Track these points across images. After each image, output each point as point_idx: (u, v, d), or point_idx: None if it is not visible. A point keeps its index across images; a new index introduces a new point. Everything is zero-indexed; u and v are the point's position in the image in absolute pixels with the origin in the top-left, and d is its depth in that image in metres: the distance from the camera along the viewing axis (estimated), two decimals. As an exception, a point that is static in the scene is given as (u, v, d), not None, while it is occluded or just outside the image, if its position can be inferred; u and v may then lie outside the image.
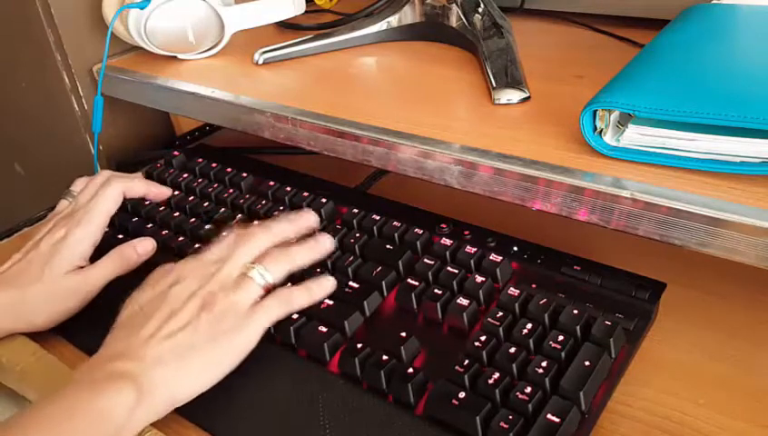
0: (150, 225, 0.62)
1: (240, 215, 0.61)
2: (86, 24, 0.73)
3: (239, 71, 0.68)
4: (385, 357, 0.45)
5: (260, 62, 0.67)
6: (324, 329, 0.48)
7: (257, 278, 0.48)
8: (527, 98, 0.53)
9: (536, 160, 0.45)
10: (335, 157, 0.56)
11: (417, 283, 0.50)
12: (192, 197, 0.66)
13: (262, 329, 0.47)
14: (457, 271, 0.50)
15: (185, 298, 0.46)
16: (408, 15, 0.69)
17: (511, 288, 0.48)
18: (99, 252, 0.56)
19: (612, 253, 0.52)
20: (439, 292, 0.49)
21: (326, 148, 0.55)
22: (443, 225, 0.56)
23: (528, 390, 0.41)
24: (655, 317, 0.48)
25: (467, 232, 0.55)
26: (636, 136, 0.42)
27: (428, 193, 0.61)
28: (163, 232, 0.60)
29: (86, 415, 0.40)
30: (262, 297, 0.48)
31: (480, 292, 0.48)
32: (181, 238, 0.60)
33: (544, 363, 0.42)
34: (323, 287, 0.50)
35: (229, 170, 0.67)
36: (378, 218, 0.57)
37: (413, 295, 0.49)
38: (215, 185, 0.66)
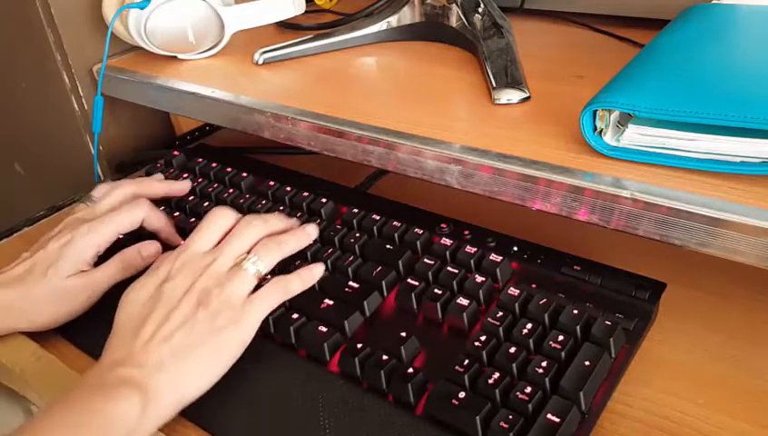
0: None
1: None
2: (86, 24, 0.73)
3: (239, 71, 0.68)
4: (385, 357, 0.45)
5: (260, 62, 0.67)
6: (324, 329, 0.48)
7: (250, 268, 0.48)
8: (527, 98, 0.53)
9: (536, 160, 0.45)
10: (335, 157, 0.56)
11: (417, 283, 0.50)
12: (191, 197, 0.66)
13: (260, 318, 0.47)
14: (457, 271, 0.50)
15: (180, 295, 0.46)
16: (407, 15, 0.69)
17: (511, 288, 0.48)
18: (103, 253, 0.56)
19: (612, 253, 0.52)
20: (439, 292, 0.49)
21: (326, 148, 0.55)
22: (443, 225, 0.56)
23: (528, 390, 0.41)
24: (655, 317, 0.48)
25: (467, 232, 0.55)
26: (636, 136, 0.42)
27: (428, 193, 0.61)
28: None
29: (98, 421, 0.40)
30: (256, 287, 0.49)
31: (480, 292, 0.48)
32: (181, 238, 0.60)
33: (544, 363, 0.42)
34: (314, 273, 0.52)
35: (229, 170, 0.67)
36: (378, 218, 0.57)
37: (413, 295, 0.50)
38: (215, 185, 0.66)
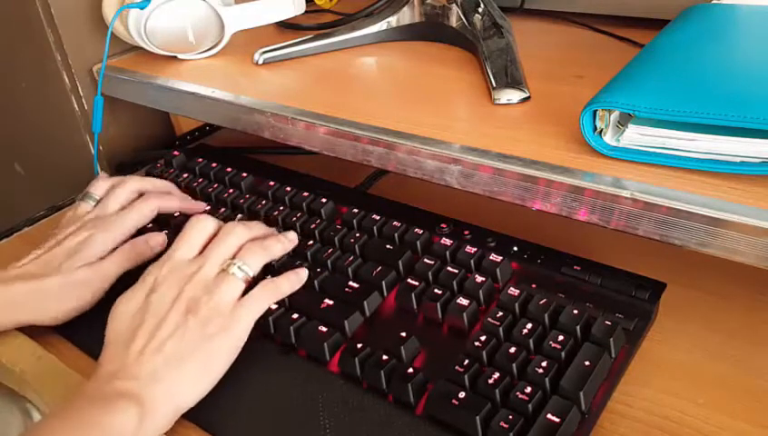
0: (150, 225, 0.62)
1: (240, 215, 0.62)
2: (86, 24, 0.73)
3: (239, 71, 0.68)
4: (385, 357, 0.45)
5: (261, 62, 0.67)
6: (324, 329, 0.48)
7: (237, 273, 0.49)
8: (527, 98, 0.53)
9: (536, 160, 0.45)
10: (335, 157, 0.56)
11: (417, 283, 0.50)
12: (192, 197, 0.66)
13: (251, 322, 0.47)
14: (457, 271, 0.50)
15: (168, 304, 0.46)
16: (407, 15, 0.69)
17: (511, 288, 0.48)
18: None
19: (612, 253, 0.52)
20: (439, 291, 0.49)
21: (326, 148, 0.55)
22: (443, 225, 0.56)
23: (528, 390, 0.41)
24: (655, 317, 0.48)
25: (467, 232, 0.55)
26: (636, 136, 0.42)
27: (428, 193, 0.61)
28: (164, 232, 0.60)
29: (96, 434, 0.40)
30: (244, 291, 0.49)
31: (480, 291, 0.48)
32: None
33: (544, 363, 0.42)
34: (300, 276, 0.52)
35: (229, 170, 0.67)
36: (378, 218, 0.57)
37: (413, 295, 0.50)
38: (215, 185, 0.66)
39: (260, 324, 0.49)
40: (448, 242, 0.53)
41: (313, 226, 0.58)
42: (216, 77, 0.67)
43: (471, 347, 0.45)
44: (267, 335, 0.49)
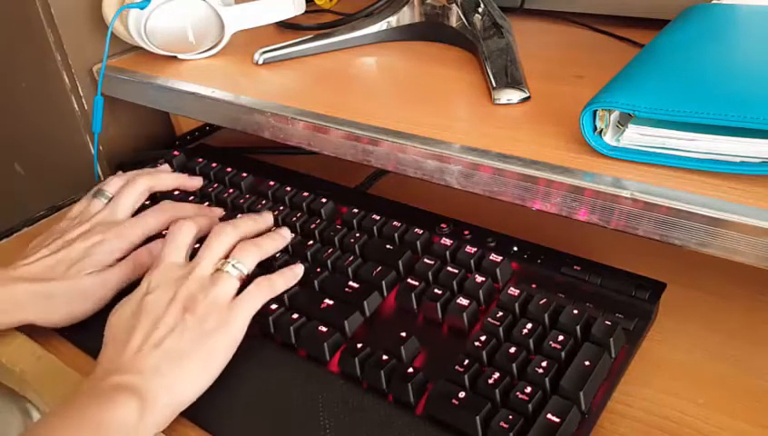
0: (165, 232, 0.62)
1: (240, 216, 0.61)
2: (86, 24, 0.73)
3: (239, 71, 0.68)
4: (385, 357, 0.45)
5: (261, 62, 0.67)
6: (324, 329, 0.48)
7: (232, 271, 0.49)
8: (527, 98, 0.53)
9: (536, 160, 0.45)
10: (335, 157, 0.56)
11: (417, 283, 0.50)
12: (192, 197, 0.66)
13: (248, 318, 0.48)
14: (457, 271, 0.50)
15: (164, 304, 0.47)
16: (407, 15, 0.69)
17: (511, 288, 0.48)
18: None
19: (612, 253, 0.52)
20: (439, 292, 0.49)
21: (326, 148, 0.55)
22: (443, 225, 0.56)
23: (528, 390, 0.41)
24: (655, 317, 0.48)
25: (467, 232, 0.55)
26: (636, 136, 0.42)
27: (428, 193, 0.61)
28: (164, 232, 0.60)
29: (96, 429, 0.40)
30: (240, 289, 0.49)
31: (480, 292, 0.48)
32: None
33: (544, 363, 0.42)
34: (295, 272, 0.52)
35: (229, 170, 0.67)
36: (378, 218, 0.57)
37: (413, 295, 0.49)
38: (215, 185, 0.66)
39: (261, 324, 0.49)
40: (448, 242, 0.53)
41: (313, 226, 0.58)
42: (216, 77, 0.67)
43: (471, 347, 0.45)
44: (267, 335, 0.49)
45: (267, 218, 0.58)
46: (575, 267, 0.50)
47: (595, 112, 0.43)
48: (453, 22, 0.66)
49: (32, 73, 0.79)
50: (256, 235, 0.55)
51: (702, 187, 0.40)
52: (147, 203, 0.61)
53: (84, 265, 0.54)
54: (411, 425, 0.42)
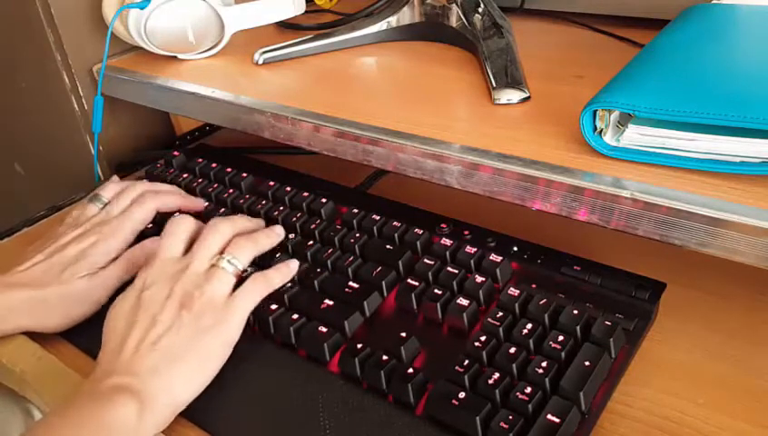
0: (150, 225, 0.62)
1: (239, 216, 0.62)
2: (86, 24, 0.73)
3: (239, 71, 0.68)
4: (385, 357, 0.45)
5: (261, 62, 0.67)
6: (324, 329, 0.48)
7: (227, 267, 0.49)
8: (527, 98, 0.53)
9: (536, 160, 0.45)
10: (335, 157, 0.56)
11: (417, 284, 0.50)
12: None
13: (245, 315, 0.48)
14: (457, 271, 0.50)
15: (161, 301, 0.47)
16: (407, 15, 0.69)
17: (511, 288, 0.48)
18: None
19: (612, 253, 0.52)
20: (439, 292, 0.49)
21: (326, 148, 0.55)
22: (443, 225, 0.56)
23: (528, 390, 0.41)
24: (655, 317, 0.48)
25: (467, 232, 0.55)
26: (636, 136, 0.42)
27: (428, 193, 0.61)
28: (149, 226, 0.60)
29: (96, 430, 0.40)
30: (236, 284, 0.49)
31: (480, 292, 0.48)
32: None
33: (544, 364, 0.42)
34: (291, 268, 0.53)
35: (229, 170, 0.67)
36: (378, 218, 0.57)
37: (413, 295, 0.49)
38: (215, 185, 0.66)
39: (261, 324, 0.49)
40: (447, 242, 0.53)
41: (313, 226, 0.58)
42: (216, 77, 0.67)
43: (471, 347, 0.45)
44: (267, 335, 0.49)
45: (260, 221, 0.58)
46: (575, 267, 0.50)
47: (595, 112, 0.43)
48: (453, 22, 0.66)
49: (32, 73, 0.79)
50: (251, 232, 0.55)
51: (702, 187, 0.40)
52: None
53: (78, 268, 0.54)
54: (411, 425, 0.42)
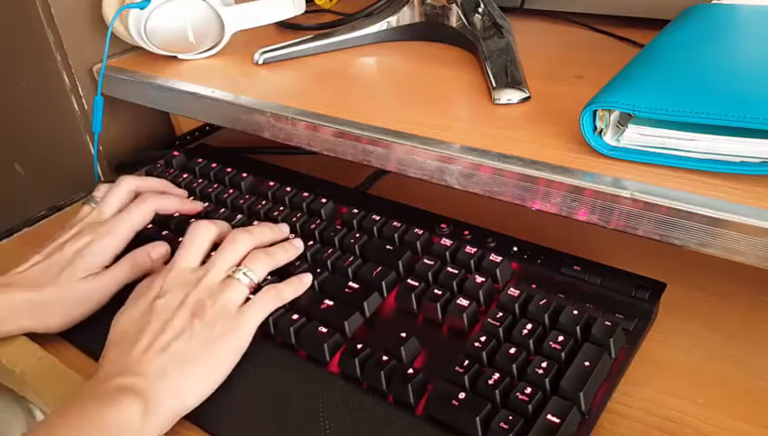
0: (150, 226, 0.62)
1: (240, 216, 0.62)
2: (86, 24, 0.73)
3: (239, 71, 0.68)
4: (385, 357, 0.45)
5: (261, 62, 0.67)
6: (324, 329, 0.48)
7: (243, 279, 0.49)
8: (527, 98, 0.53)
9: (536, 160, 0.45)
10: (335, 157, 0.56)
11: (417, 284, 0.50)
12: (191, 198, 0.66)
13: (255, 326, 0.48)
14: (457, 271, 0.50)
15: (173, 309, 0.47)
16: (407, 15, 0.69)
17: (511, 288, 0.48)
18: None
19: (612, 253, 0.52)
20: (439, 292, 0.49)
21: (326, 148, 0.55)
22: (443, 225, 0.56)
23: (528, 390, 0.41)
24: (655, 317, 0.48)
25: (467, 233, 0.55)
26: (636, 136, 0.42)
27: (428, 193, 0.61)
28: (163, 233, 0.60)
29: (98, 430, 0.40)
30: (248, 296, 0.49)
31: (480, 292, 0.48)
32: (180, 238, 0.59)
33: (544, 364, 0.42)
34: (304, 282, 0.52)
35: (229, 170, 0.67)
36: (378, 218, 0.57)
37: (413, 296, 0.49)
38: (215, 185, 0.66)
39: (261, 325, 0.49)
40: (447, 242, 0.53)
41: (313, 226, 0.58)
42: (216, 77, 0.67)
43: (471, 348, 0.45)
44: (267, 335, 0.49)
45: (283, 228, 0.57)
46: (575, 267, 0.50)
47: (595, 112, 0.43)
48: (453, 22, 0.66)
49: (32, 73, 0.79)
50: (270, 244, 0.54)
51: (702, 187, 0.40)
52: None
53: (76, 269, 0.53)
54: (411, 426, 0.42)
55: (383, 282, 0.51)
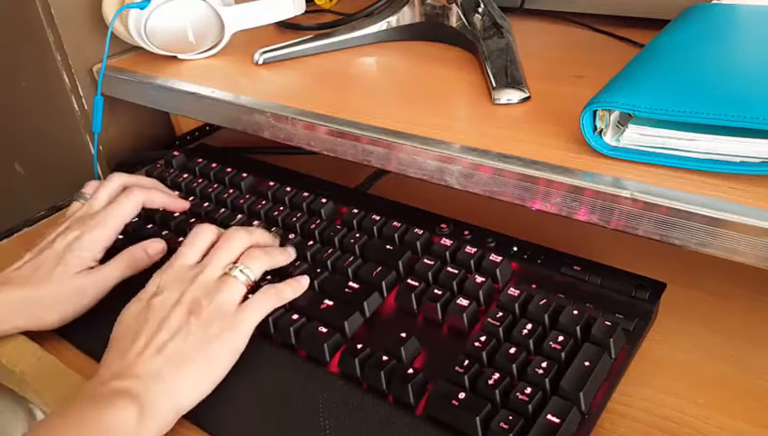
0: (150, 226, 0.62)
1: (240, 216, 0.62)
2: (86, 24, 0.73)
3: (239, 71, 0.68)
4: (385, 357, 0.45)
5: (261, 62, 0.67)
6: (324, 329, 0.48)
7: (239, 276, 0.49)
8: (527, 98, 0.53)
9: (536, 160, 0.45)
10: (335, 157, 0.56)
11: (417, 284, 0.50)
12: (191, 197, 0.66)
13: (253, 326, 0.48)
14: (457, 271, 0.50)
15: (170, 307, 0.47)
16: (407, 15, 0.69)
17: (511, 288, 0.48)
18: (105, 254, 0.56)
19: (612, 253, 0.52)
20: (439, 292, 0.49)
21: (326, 148, 0.55)
22: (443, 225, 0.56)
23: (528, 390, 0.41)
24: (655, 317, 0.48)
25: (467, 232, 0.55)
26: (636, 136, 0.42)
27: (428, 193, 0.61)
28: (164, 233, 0.60)
29: (95, 433, 0.40)
30: (246, 295, 0.49)
31: (480, 292, 0.48)
32: (180, 238, 0.59)
33: (544, 364, 0.42)
34: (302, 284, 0.52)
35: (229, 170, 0.67)
36: (378, 218, 0.57)
37: (413, 296, 0.49)
38: (215, 185, 0.66)
39: (261, 325, 0.49)
40: (447, 242, 0.53)
41: (313, 226, 0.58)
42: (216, 77, 0.67)
43: (471, 347, 0.45)
44: (267, 335, 0.49)
45: (275, 238, 0.57)
46: (575, 267, 0.50)
47: (595, 112, 0.43)
48: (453, 22, 0.66)
49: (32, 73, 0.79)
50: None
51: (702, 187, 0.40)
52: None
53: (69, 264, 0.53)
54: (411, 426, 0.42)
55: (383, 282, 0.51)
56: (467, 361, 0.44)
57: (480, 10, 0.64)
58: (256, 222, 0.60)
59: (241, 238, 0.52)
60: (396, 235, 0.55)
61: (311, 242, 0.56)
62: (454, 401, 0.41)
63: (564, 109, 0.50)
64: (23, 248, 0.57)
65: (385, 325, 0.49)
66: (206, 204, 0.64)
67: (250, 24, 0.70)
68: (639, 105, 0.40)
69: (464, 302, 0.48)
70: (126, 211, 0.58)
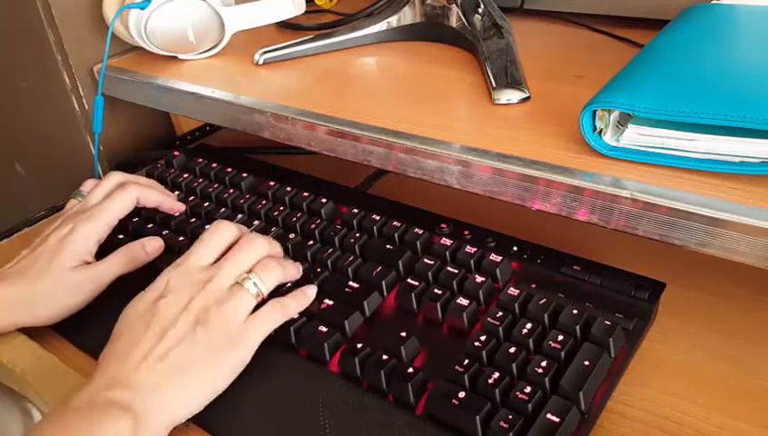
0: (150, 225, 0.62)
1: (240, 216, 0.62)
2: (86, 24, 0.73)
3: (239, 71, 0.68)
4: (385, 357, 0.45)
5: (261, 62, 0.67)
6: (324, 329, 0.48)
7: (251, 288, 0.47)
8: (527, 98, 0.53)
9: (536, 160, 0.45)
10: (335, 157, 0.56)
11: (417, 283, 0.50)
12: (192, 197, 0.66)
13: (258, 341, 0.46)
14: (457, 271, 0.50)
15: (176, 312, 0.45)
16: (408, 16, 0.69)
17: (511, 288, 0.48)
18: (101, 253, 0.56)
19: (612, 253, 0.52)
20: (439, 292, 0.49)
21: (326, 148, 0.55)
22: (443, 225, 0.56)
23: (528, 389, 0.41)
24: (655, 317, 0.48)
25: (467, 232, 0.55)
26: (636, 136, 0.42)
27: (428, 193, 0.61)
28: (164, 232, 0.60)
29: None
30: (254, 307, 0.47)
31: (480, 292, 0.48)
32: (181, 238, 0.60)
33: (543, 363, 0.42)
34: (308, 296, 0.51)
35: (229, 170, 0.67)
36: (378, 218, 0.57)
37: (413, 295, 0.50)
38: (215, 185, 0.66)
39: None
40: (448, 242, 0.53)
41: (313, 226, 0.58)
42: (216, 77, 0.67)
43: (471, 347, 0.45)
44: (267, 336, 0.49)
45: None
46: (574, 267, 0.50)
47: (594, 112, 0.43)
48: (453, 22, 0.66)
49: (32, 73, 0.79)
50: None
51: (702, 187, 0.40)
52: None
53: (64, 258, 0.53)
54: (411, 425, 0.42)
55: (383, 282, 0.51)
56: (466, 361, 0.44)
57: (480, 10, 0.64)
58: (256, 222, 0.60)
59: (259, 248, 0.49)
60: (396, 235, 0.55)
61: (311, 242, 0.56)
62: (454, 401, 0.41)
63: (564, 109, 0.50)
64: (23, 248, 0.57)
65: (385, 325, 0.49)
66: (206, 204, 0.64)
67: (250, 25, 0.70)
68: (639, 105, 0.40)
69: (464, 301, 0.48)
70: (120, 205, 0.58)
